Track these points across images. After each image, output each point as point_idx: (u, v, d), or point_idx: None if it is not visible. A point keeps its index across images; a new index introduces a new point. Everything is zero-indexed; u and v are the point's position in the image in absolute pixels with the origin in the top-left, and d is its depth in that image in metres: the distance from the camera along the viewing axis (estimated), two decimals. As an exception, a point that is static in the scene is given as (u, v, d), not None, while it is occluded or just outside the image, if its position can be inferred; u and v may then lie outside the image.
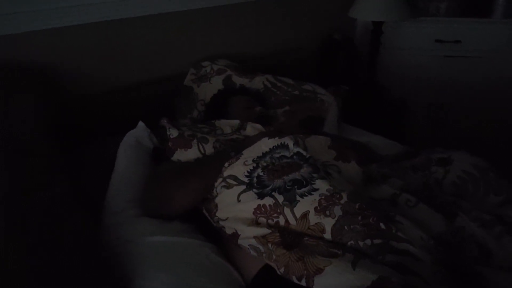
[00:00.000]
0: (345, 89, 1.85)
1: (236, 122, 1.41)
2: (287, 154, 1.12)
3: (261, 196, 1.04)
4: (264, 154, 1.13)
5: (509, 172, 1.24)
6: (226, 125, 1.40)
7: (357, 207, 0.96)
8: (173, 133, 1.28)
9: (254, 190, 1.05)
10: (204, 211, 1.16)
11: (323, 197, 0.99)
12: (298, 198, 1.00)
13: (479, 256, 0.98)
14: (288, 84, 1.75)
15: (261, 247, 0.99)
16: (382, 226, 0.93)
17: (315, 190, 1.00)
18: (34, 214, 0.92)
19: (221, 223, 1.09)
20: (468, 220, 1.03)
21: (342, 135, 1.66)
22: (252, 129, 1.38)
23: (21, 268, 0.78)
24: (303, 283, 0.88)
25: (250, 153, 1.15)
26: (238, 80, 1.73)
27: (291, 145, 1.13)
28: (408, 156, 1.39)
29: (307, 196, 1.00)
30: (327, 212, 0.96)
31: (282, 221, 1.00)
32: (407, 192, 1.10)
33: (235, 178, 1.10)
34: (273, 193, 1.03)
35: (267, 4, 2.03)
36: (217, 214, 1.10)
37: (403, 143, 1.66)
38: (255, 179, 1.07)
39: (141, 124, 1.38)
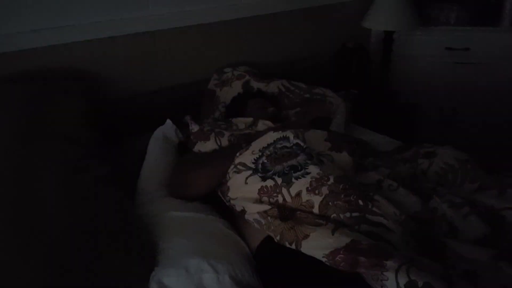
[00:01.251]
0: (354, 93, 2.03)
1: (249, 119, 1.61)
2: (287, 144, 1.32)
3: (264, 179, 1.24)
4: (269, 145, 1.33)
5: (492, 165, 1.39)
6: (241, 122, 1.60)
7: (341, 187, 1.15)
8: (194, 128, 1.51)
9: (258, 174, 1.26)
10: (219, 192, 1.37)
11: (313, 179, 1.18)
12: (293, 180, 1.20)
13: (448, 231, 1.15)
14: (301, 88, 1.95)
15: (262, 220, 1.19)
16: (361, 202, 1.11)
17: (308, 173, 1.20)
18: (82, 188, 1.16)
19: (232, 202, 1.30)
20: (440, 202, 1.20)
21: (350, 134, 1.84)
22: (262, 125, 1.57)
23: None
24: (293, 246, 1.08)
25: (258, 144, 1.35)
26: (256, 84, 1.95)
27: (291, 137, 1.33)
28: (400, 150, 1.56)
29: (301, 178, 1.20)
30: (316, 191, 1.16)
31: (280, 199, 1.20)
32: (391, 179, 1.28)
33: (243, 164, 1.31)
34: (273, 176, 1.23)
35: (285, 16, 2.22)
36: (228, 194, 1.31)
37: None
38: (260, 166, 1.28)
39: (168, 121, 1.62)
